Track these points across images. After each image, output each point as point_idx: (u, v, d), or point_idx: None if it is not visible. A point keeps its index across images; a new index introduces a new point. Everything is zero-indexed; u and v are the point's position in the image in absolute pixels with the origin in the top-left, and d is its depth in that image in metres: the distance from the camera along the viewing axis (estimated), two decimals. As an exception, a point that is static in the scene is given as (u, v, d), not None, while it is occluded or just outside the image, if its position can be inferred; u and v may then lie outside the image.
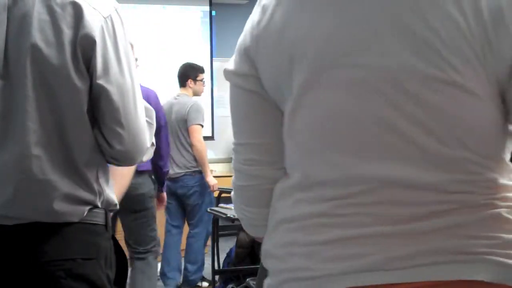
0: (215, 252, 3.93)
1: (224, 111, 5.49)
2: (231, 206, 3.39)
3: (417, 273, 0.71)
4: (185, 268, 4.13)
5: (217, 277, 3.94)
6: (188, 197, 4.06)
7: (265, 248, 0.88)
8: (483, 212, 0.72)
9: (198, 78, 4.19)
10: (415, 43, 0.71)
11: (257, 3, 0.89)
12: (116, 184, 1.47)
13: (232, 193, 0.99)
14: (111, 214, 1.36)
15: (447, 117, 0.72)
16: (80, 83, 1.19)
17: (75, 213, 1.23)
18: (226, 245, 4.46)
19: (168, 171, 3.37)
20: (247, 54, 0.88)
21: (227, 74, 0.92)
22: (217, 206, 3.87)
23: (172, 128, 4.03)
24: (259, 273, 2.38)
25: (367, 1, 0.75)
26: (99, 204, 1.27)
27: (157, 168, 3.21)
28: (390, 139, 0.74)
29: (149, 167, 3.11)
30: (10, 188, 1.19)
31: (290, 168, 0.87)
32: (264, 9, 0.86)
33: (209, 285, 4.25)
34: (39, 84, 1.19)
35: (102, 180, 1.28)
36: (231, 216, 3.26)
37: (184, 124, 4.00)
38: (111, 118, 1.22)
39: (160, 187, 3.32)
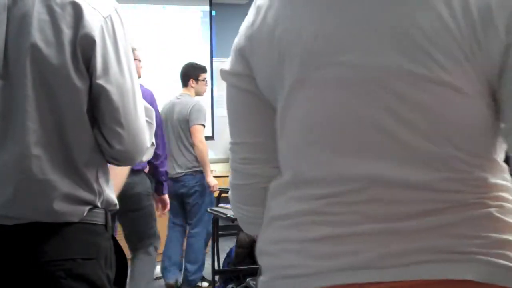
0: (215, 252, 3.93)
1: (224, 111, 5.40)
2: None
3: (408, 271, 0.71)
4: (185, 268, 4.13)
5: (217, 277, 3.94)
6: (188, 197, 4.07)
7: (259, 245, 0.89)
8: (474, 211, 0.72)
9: (200, 78, 4.19)
10: (402, 42, 0.71)
11: (253, 3, 0.91)
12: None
13: (229, 191, 1.00)
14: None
15: (434, 116, 0.72)
16: (80, 83, 1.19)
17: (75, 213, 1.23)
18: (226, 245, 4.46)
19: (165, 170, 3.37)
20: (242, 54, 0.89)
21: (223, 74, 0.94)
22: (217, 206, 3.87)
23: (174, 128, 4.04)
24: (259, 273, 2.38)
25: (356, 1, 0.76)
26: (99, 204, 1.27)
27: (153, 168, 3.22)
28: (378, 138, 0.74)
29: (144, 165, 3.12)
30: (10, 188, 1.19)
31: (283, 167, 0.87)
32: (258, 9, 0.87)
33: (209, 285, 4.25)
34: (39, 84, 1.19)
35: (102, 180, 1.28)
36: (231, 216, 3.26)
37: (186, 124, 4.00)
38: (111, 118, 1.22)
39: (160, 188, 3.32)
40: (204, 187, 4.08)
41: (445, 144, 0.72)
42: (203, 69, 4.26)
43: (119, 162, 1.32)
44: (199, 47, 5.99)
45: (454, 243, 0.71)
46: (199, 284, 4.25)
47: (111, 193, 1.32)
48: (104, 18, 1.21)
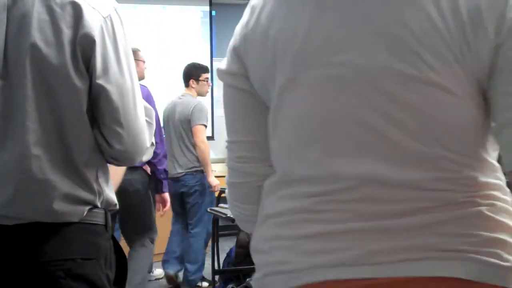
0: (215, 252, 3.92)
1: (224, 111, 5.47)
2: (231, 206, 3.39)
3: (398, 268, 0.72)
4: (185, 268, 4.14)
5: (217, 277, 3.94)
6: (188, 196, 4.07)
7: (252, 243, 0.90)
8: (464, 209, 0.73)
9: (200, 78, 4.18)
10: (391, 43, 0.72)
11: (249, 4, 0.91)
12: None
13: (226, 190, 1.00)
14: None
15: (423, 116, 0.72)
16: (79, 83, 1.19)
17: (75, 213, 1.23)
18: (226, 245, 4.46)
19: (164, 168, 3.38)
20: (237, 54, 0.91)
21: (220, 73, 0.96)
22: (217, 206, 3.88)
23: (175, 128, 4.04)
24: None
25: (346, 2, 0.76)
26: (98, 204, 1.27)
27: (151, 166, 3.24)
28: (367, 137, 0.75)
29: (142, 163, 3.13)
30: (10, 188, 1.19)
31: (275, 166, 0.88)
32: (252, 9, 0.89)
33: (209, 285, 4.25)
34: (39, 84, 1.19)
35: (101, 180, 1.28)
36: (231, 216, 3.25)
37: (188, 124, 4.00)
38: (110, 118, 1.23)
39: (160, 186, 3.33)
40: (205, 187, 4.08)
41: (433, 144, 0.73)
42: (205, 69, 4.25)
43: (119, 162, 1.32)
44: (199, 47, 5.99)
45: (444, 241, 0.72)
46: (199, 284, 4.25)
47: (111, 193, 1.32)
48: (104, 18, 1.21)
